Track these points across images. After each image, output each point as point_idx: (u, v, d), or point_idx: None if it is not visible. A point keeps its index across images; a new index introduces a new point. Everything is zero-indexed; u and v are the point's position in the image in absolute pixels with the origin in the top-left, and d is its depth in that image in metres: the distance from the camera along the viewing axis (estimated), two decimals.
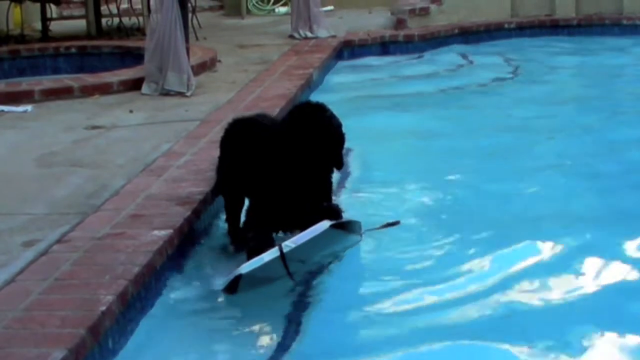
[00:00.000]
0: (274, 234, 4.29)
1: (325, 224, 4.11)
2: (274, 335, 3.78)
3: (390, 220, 4.87)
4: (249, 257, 4.06)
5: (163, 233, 4.30)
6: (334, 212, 4.28)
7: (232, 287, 4.02)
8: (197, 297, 4.13)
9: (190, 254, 4.54)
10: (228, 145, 4.63)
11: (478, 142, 6.89)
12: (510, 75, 9.96)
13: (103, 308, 3.49)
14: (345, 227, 4.39)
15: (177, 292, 4.16)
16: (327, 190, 4.38)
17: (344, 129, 4.28)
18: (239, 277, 3.96)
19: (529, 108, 8.13)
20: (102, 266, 3.91)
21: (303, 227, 4.13)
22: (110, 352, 3.52)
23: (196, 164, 5.53)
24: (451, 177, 5.92)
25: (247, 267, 3.96)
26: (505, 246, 4.63)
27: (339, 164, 4.33)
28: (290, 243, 4.00)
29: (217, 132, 6.24)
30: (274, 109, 6.97)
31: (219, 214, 4.93)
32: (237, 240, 4.55)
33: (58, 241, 4.28)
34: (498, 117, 7.83)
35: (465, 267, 4.38)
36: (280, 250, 3.96)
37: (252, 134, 4.45)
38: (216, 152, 4.79)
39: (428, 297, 4.08)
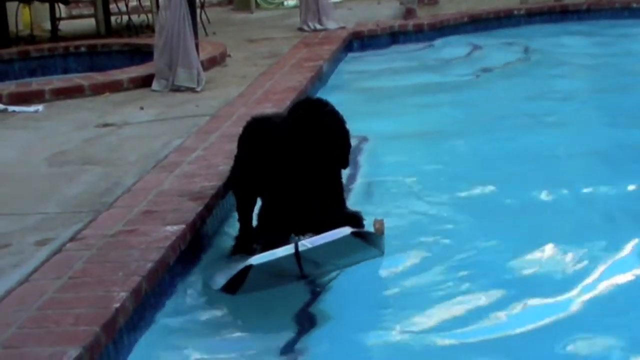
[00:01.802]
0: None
1: (345, 230, 3.85)
2: (284, 336, 3.72)
3: (378, 218, 4.57)
4: (263, 250, 3.93)
5: (175, 229, 4.29)
6: (357, 220, 4.15)
7: (236, 283, 3.90)
8: (210, 294, 4.11)
9: (203, 249, 4.54)
10: (243, 143, 4.61)
11: (490, 130, 6.85)
12: (521, 62, 9.92)
13: (117, 305, 3.48)
14: (366, 238, 4.13)
15: (191, 287, 4.16)
16: (337, 190, 4.26)
17: (348, 126, 4.11)
18: (248, 269, 3.81)
19: (541, 95, 8.09)
20: (115, 263, 3.91)
21: (314, 230, 4.01)
22: (124, 349, 3.52)
23: (207, 159, 5.52)
24: (464, 170, 5.84)
25: (258, 258, 3.81)
26: (530, 251, 4.43)
27: (344, 162, 4.18)
28: (307, 243, 3.83)
29: (228, 127, 6.26)
30: (285, 102, 6.96)
31: (232, 207, 4.92)
32: (243, 244, 4.48)
33: (71, 239, 4.28)
34: (510, 104, 7.79)
35: (483, 280, 4.14)
36: (296, 248, 3.82)
37: (265, 132, 4.41)
38: (227, 146, 4.77)
39: (442, 307, 3.92)
